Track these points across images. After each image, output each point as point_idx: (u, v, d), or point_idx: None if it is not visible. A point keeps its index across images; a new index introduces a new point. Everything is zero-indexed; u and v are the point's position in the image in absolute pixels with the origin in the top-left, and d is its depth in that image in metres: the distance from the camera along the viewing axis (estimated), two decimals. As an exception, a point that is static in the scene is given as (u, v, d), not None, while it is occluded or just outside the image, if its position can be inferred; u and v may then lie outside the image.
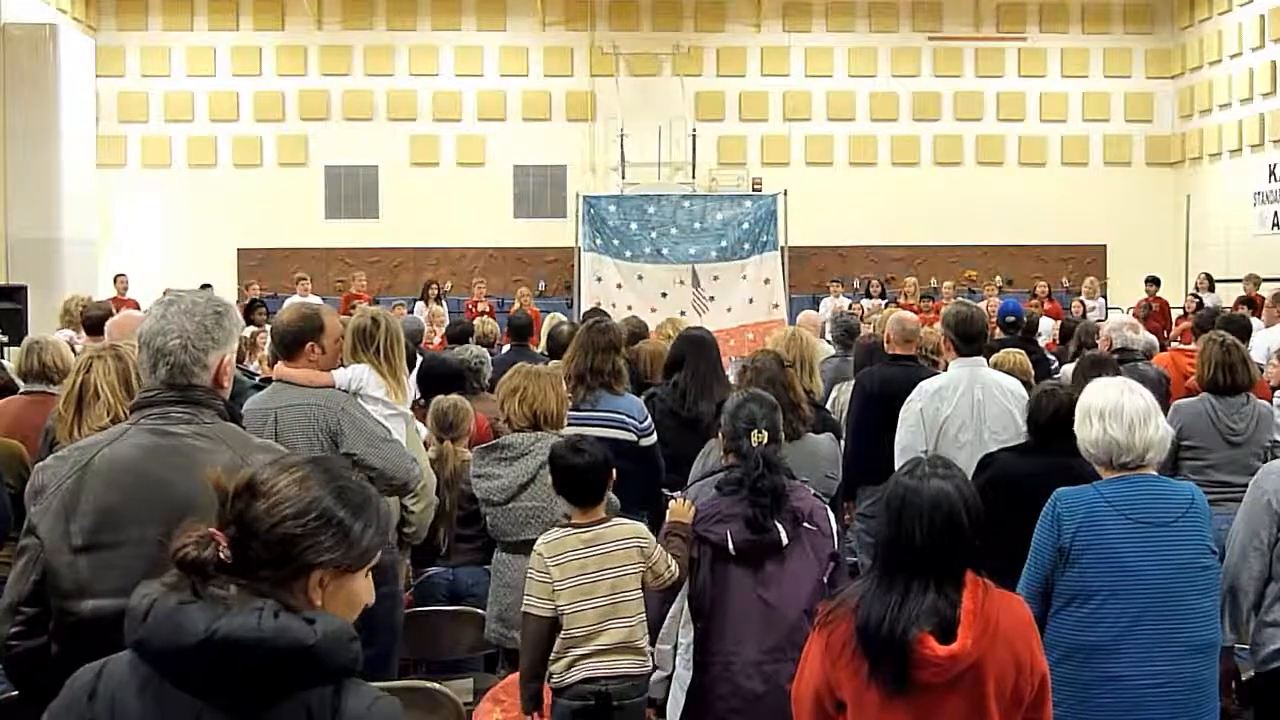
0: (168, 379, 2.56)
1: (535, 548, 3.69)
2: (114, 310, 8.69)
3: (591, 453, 3.74)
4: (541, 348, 8.76)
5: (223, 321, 2.64)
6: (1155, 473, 3.46)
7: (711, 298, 15.33)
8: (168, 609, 1.74)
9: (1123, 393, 3.43)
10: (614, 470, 3.78)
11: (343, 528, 1.85)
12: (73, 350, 5.92)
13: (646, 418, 5.27)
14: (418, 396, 6.11)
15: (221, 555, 1.77)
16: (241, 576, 1.78)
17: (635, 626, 3.61)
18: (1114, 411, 3.38)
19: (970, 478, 3.04)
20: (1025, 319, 8.64)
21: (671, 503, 3.75)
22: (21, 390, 5.52)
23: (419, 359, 7.06)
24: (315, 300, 13.17)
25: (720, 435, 3.82)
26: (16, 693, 2.73)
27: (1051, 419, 4.30)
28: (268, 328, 11.68)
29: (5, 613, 2.51)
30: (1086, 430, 3.44)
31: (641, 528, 3.71)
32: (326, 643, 1.75)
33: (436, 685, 3.81)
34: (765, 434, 3.63)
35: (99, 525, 2.44)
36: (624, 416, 5.18)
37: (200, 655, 1.71)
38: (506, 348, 8.71)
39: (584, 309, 13.00)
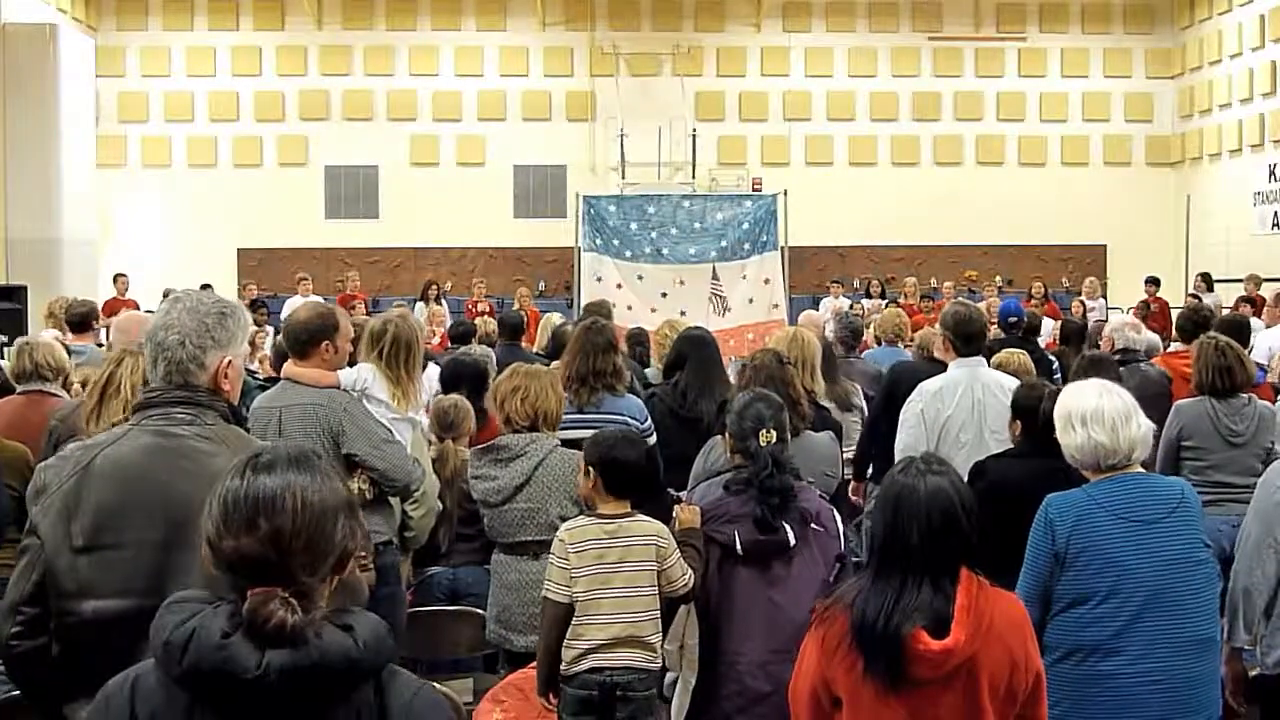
0: (165, 376, 2.56)
1: (558, 534, 3.71)
2: (98, 310, 8.72)
3: (649, 452, 3.83)
4: (539, 347, 8.77)
5: (225, 322, 2.62)
6: (1142, 469, 3.45)
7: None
8: (211, 647, 1.72)
9: (1101, 395, 3.43)
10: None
11: (347, 502, 1.86)
12: (67, 350, 5.93)
13: (647, 418, 5.29)
14: (439, 395, 6.12)
15: (298, 613, 1.74)
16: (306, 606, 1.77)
17: (646, 622, 3.61)
18: (1095, 415, 3.37)
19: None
20: (1027, 319, 8.62)
21: (676, 510, 3.74)
22: (18, 391, 5.53)
23: (430, 359, 7.08)
24: (318, 300, 13.17)
25: (726, 435, 3.82)
26: (18, 692, 2.73)
27: (1047, 422, 4.29)
28: (268, 328, 11.71)
29: (6, 613, 2.51)
30: (1070, 437, 3.43)
31: (663, 527, 3.70)
32: (370, 648, 1.77)
33: (436, 685, 3.81)
34: (774, 434, 3.63)
35: (100, 526, 2.44)
36: (627, 417, 5.19)
37: (257, 687, 1.70)
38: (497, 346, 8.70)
39: (584, 307, 12.97)
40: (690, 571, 3.58)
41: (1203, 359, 5.56)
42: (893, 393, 6.08)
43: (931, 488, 2.69)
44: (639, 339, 8.55)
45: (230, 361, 2.63)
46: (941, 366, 6.11)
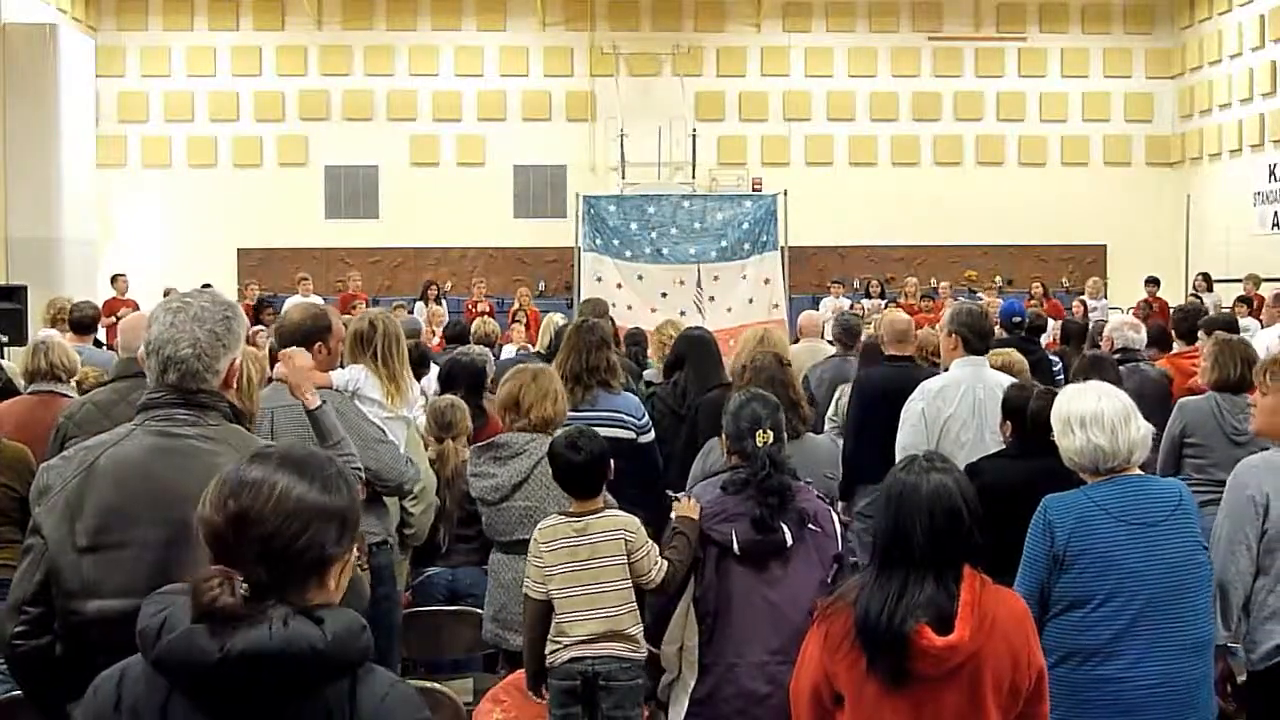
0: (178, 384, 2.58)
1: (533, 534, 3.79)
2: (99, 312, 8.73)
3: (589, 448, 3.82)
4: (540, 347, 8.77)
5: (232, 325, 2.66)
6: (1140, 471, 3.44)
7: (711, 298, 15.32)
8: (179, 630, 1.75)
9: (1099, 398, 3.41)
10: (611, 464, 3.86)
11: (339, 513, 1.86)
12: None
13: (644, 415, 5.29)
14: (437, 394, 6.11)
15: (242, 594, 1.77)
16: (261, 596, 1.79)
17: (623, 615, 3.67)
18: (1094, 418, 3.36)
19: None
20: (1028, 319, 8.63)
21: (676, 501, 3.75)
22: (28, 390, 5.53)
23: (431, 359, 7.07)
24: (317, 300, 13.18)
25: (723, 435, 3.82)
26: (20, 693, 2.73)
27: (1037, 422, 4.29)
28: (272, 328, 11.70)
29: (10, 612, 2.52)
30: (1069, 441, 3.42)
31: (632, 520, 3.76)
32: (338, 642, 1.77)
33: (436, 685, 3.82)
34: (770, 434, 3.63)
35: (103, 525, 2.45)
36: (623, 415, 5.20)
37: (219, 672, 1.73)
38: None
39: (579, 306, 12.97)
40: (661, 564, 3.61)
41: (1228, 353, 5.53)
42: (864, 402, 6.12)
43: (934, 485, 2.70)
44: (636, 339, 8.56)
45: (238, 362, 2.68)
46: (900, 366, 6.12)
